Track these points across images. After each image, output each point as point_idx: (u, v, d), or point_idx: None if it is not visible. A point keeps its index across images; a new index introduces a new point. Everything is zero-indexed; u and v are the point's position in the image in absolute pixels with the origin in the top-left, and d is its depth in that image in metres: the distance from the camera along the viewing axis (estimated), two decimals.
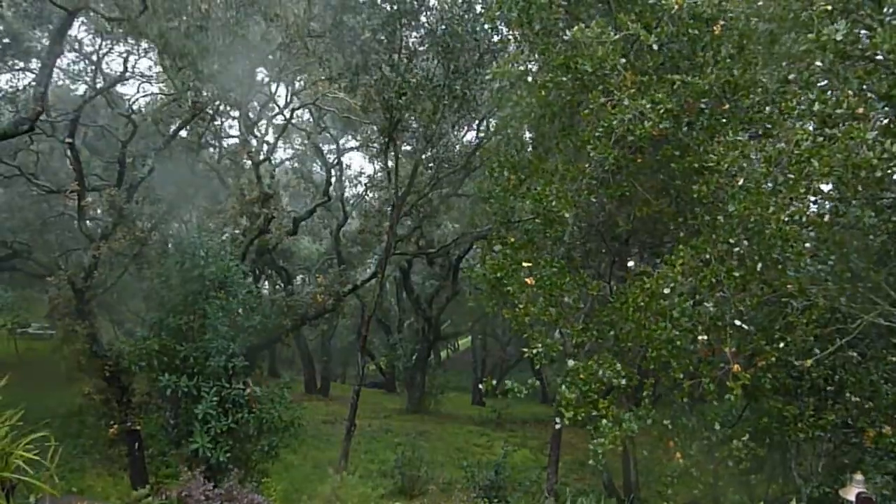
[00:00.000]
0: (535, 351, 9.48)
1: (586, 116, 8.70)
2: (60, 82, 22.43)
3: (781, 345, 7.98)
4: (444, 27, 13.60)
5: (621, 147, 8.70)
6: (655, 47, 8.20)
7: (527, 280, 9.70)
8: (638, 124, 7.85)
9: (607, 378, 8.39)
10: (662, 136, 8.42)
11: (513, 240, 10.82)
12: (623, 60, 8.22)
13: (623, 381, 8.39)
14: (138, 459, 14.35)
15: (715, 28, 8.14)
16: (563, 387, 8.66)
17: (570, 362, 8.79)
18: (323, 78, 16.09)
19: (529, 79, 9.82)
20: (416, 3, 13.85)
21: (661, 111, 7.79)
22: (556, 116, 9.94)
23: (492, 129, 14.63)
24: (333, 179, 25.54)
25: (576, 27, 8.30)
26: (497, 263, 10.36)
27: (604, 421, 8.19)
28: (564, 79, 8.80)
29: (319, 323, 28.32)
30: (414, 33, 14.51)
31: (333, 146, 26.88)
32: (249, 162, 19.43)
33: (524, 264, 9.85)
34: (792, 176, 6.85)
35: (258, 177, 18.73)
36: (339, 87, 15.22)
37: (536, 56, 9.98)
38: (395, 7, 13.58)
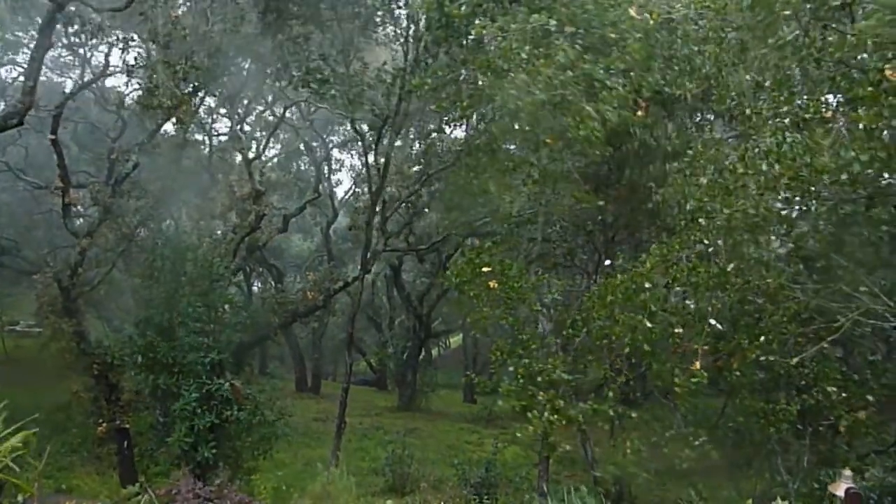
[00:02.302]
0: (494, 357, 9.80)
1: (505, 109, 8.84)
2: (50, 75, 22.32)
3: (761, 338, 8.10)
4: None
5: (530, 124, 8.83)
6: (553, 29, 8.16)
7: (489, 283, 9.90)
8: (525, 99, 7.86)
9: (545, 375, 8.84)
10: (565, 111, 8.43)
11: (479, 245, 11.03)
12: (528, 48, 8.22)
13: (565, 376, 8.88)
14: (127, 457, 14.27)
15: (631, 10, 8.13)
16: (505, 378, 9.31)
17: (511, 368, 9.40)
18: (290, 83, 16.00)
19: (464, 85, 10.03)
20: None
21: (542, 83, 7.73)
22: (488, 115, 10.16)
23: (479, 127, 14.69)
24: (323, 176, 25.49)
25: (478, 22, 8.43)
26: (460, 269, 10.57)
27: (535, 411, 8.80)
28: (485, 79, 8.97)
29: (310, 320, 28.27)
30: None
31: (321, 142, 26.77)
32: (239, 157, 19.32)
33: (485, 269, 10.04)
34: (761, 178, 6.92)
35: (249, 173, 18.65)
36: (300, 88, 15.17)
37: (462, 64, 10.17)
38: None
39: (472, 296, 10.34)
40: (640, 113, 8.40)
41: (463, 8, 9.16)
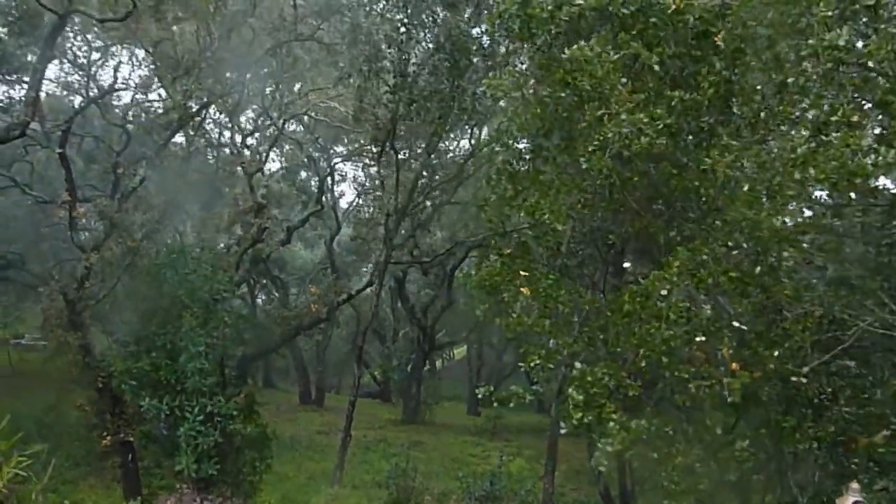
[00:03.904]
0: (531, 364, 9.50)
1: (583, 130, 8.72)
2: (56, 92, 22.52)
3: (776, 353, 7.97)
4: (451, 43, 13.72)
5: (616, 161, 8.71)
6: (657, 67, 8.21)
7: (522, 290, 9.74)
8: (634, 139, 7.86)
9: (613, 386, 8.39)
10: (660, 153, 8.42)
11: (509, 250, 10.86)
12: (624, 80, 8.23)
13: (631, 393, 8.41)
14: (131, 471, 14.23)
15: (716, 38, 8.16)
16: (571, 389, 8.63)
17: (578, 365, 8.78)
18: (326, 86, 16.17)
19: (529, 92, 9.86)
20: (424, 17, 13.99)
21: (660, 127, 7.79)
22: (554, 130, 9.98)
23: (485, 138, 14.72)
24: (325, 188, 25.57)
25: (574, 46, 8.31)
26: (493, 270, 10.42)
27: (611, 423, 8.19)
28: (563, 94, 8.84)
29: (314, 333, 28.26)
30: (420, 46, 14.64)
31: (325, 155, 26.90)
32: (242, 171, 19.42)
33: (522, 273, 9.90)
34: (787, 182, 6.87)
35: (251, 187, 18.74)
36: (341, 90, 15.30)
37: (536, 70, 10.03)
38: (404, 17, 13.73)
39: (505, 300, 10.21)
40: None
41: (545, 13, 9.04)
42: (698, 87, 8.36)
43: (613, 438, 8.06)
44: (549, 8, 8.87)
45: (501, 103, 10.87)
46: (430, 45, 14.48)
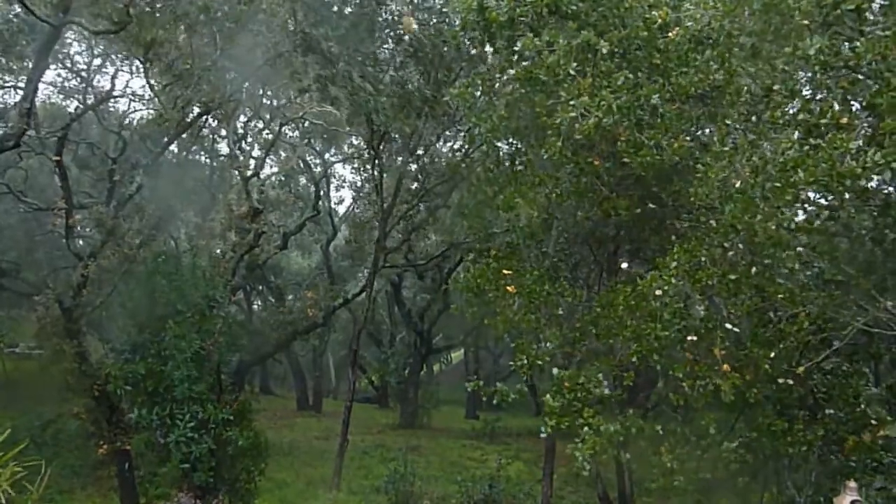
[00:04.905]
0: (519, 363, 9.59)
1: (543, 122, 8.83)
2: (52, 99, 22.48)
3: (772, 354, 8.00)
4: (410, 37, 13.75)
5: (574, 148, 8.82)
6: (605, 51, 8.31)
7: (508, 288, 9.84)
8: (583, 123, 7.94)
9: (591, 388, 8.50)
10: (617, 136, 8.47)
11: (495, 252, 10.97)
12: (575, 65, 8.31)
13: (606, 391, 8.52)
14: (128, 480, 14.17)
15: (671, 33, 8.23)
16: (548, 395, 8.75)
17: (556, 371, 8.90)
18: (297, 91, 16.21)
19: (494, 96, 10.01)
20: (381, 14, 13.96)
21: (604, 107, 7.85)
22: (527, 128, 10.11)
23: (476, 141, 14.81)
24: (322, 193, 25.54)
25: (525, 38, 8.46)
26: (479, 271, 10.54)
27: (585, 429, 8.29)
28: (523, 91, 8.95)
29: (310, 338, 28.20)
30: (385, 45, 14.65)
31: (319, 159, 26.90)
32: (238, 177, 19.38)
33: (505, 272, 10.01)
34: (778, 185, 6.90)
35: (247, 192, 18.70)
36: (310, 98, 15.33)
37: (499, 74, 10.19)
38: (357, 15, 13.75)
39: (492, 299, 10.33)
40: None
41: (503, 16, 9.11)
42: (662, 72, 8.43)
43: (585, 444, 8.19)
44: (505, 10, 9.01)
45: (472, 108, 11.00)
46: (394, 44, 14.51)
